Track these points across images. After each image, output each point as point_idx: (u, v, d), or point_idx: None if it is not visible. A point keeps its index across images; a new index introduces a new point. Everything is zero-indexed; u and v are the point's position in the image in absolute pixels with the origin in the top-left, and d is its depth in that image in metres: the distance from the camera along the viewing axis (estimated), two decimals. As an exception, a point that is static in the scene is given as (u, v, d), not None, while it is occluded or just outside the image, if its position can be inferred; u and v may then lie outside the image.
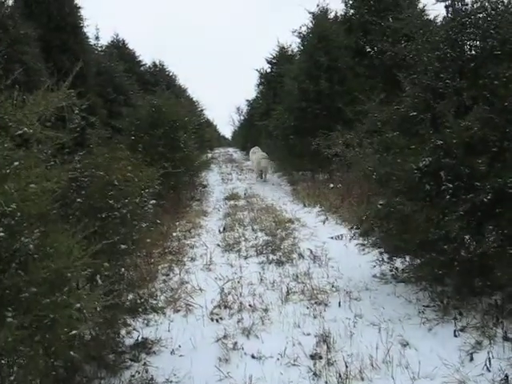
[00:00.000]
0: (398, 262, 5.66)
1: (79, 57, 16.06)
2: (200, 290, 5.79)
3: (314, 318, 4.84)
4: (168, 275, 6.40)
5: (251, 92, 50.65)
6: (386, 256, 5.65)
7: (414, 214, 4.64)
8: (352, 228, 6.01)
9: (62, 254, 2.85)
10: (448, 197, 4.51)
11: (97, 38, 24.42)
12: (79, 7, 17.27)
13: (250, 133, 32.72)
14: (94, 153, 4.66)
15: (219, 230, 8.83)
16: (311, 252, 6.99)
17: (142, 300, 4.32)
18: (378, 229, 5.12)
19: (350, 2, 17.73)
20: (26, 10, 15.09)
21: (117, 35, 29.89)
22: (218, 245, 7.62)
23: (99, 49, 24.17)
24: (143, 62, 32.44)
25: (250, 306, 5.14)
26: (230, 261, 6.86)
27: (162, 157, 10.74)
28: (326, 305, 5.11)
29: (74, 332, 2.73)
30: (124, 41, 30.35)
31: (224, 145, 49.87)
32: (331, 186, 9.43)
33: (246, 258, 7.00)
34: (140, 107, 12.32)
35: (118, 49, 28.44)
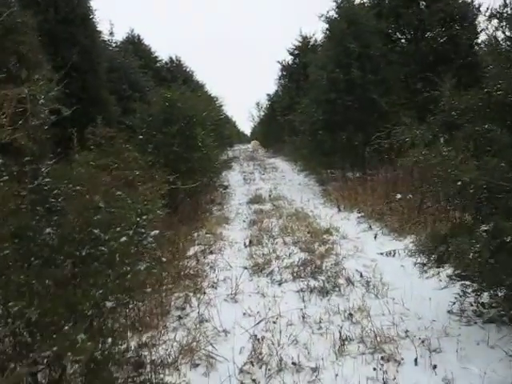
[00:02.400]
0: (485, 296, 4.32)
1: (89, 51, 15.04)
2: (225, 332, 4.46)
3: (385, 385, 3.49)
4: (184, 309, 5.08)
5: (271, 86, 49.35)
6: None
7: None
8: (426, 253, 4.57)
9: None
10: None
11: (111, 33, 23.42)
12: (88, -3, 16.06)
13: (270, 129, 31.41)
14: (74, 160, 3.33)
15: (244, 244, 7.51)
16: (361, 275, 5.62)
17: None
18: (479, 263, 3.66)
19: (379, -15, 16.33)
20: (32, 1, 13.99)
21: (132, 30, 28.97)
22: (245, 267, 6.23)
23: (113, 44, 23.21)
24: (159, 58, 31.53)
25: (293, 363, 3.78)
26: (261, 288, 5.51)
27: (177, 157, 9.49)
28: (397, 361, 3.71)
29: None
30: (139, 36, 29.42)
31: (244, 141, 48.75)
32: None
33: (280, 283, 5.64)
34: (153, 102, 11.02)
35: (134, 44, 27.50)
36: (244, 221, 9.75)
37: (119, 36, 32.17)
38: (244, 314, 4.83)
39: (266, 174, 18.41)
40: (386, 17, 14.83)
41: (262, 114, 43.95)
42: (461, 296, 4.36)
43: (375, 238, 6.98)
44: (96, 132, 7.29)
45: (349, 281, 5.45)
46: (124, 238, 2.70)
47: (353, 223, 8.51)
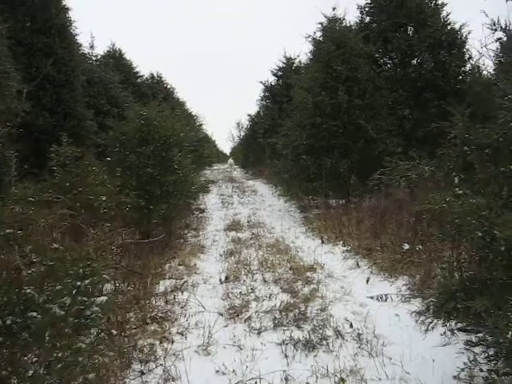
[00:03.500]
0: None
1: (66, 63, 14.34)
2: (194, 398, 3.78)
3: None
4: (147, 362, 4.35)
5: (253, 107, 49.19)
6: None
7: None
8: (432, 310, 3.93)
9: None
10: None
11: (91, 46, 22.90)
12: (67, 8, 15.42)
13: (251, 150, 30.86)
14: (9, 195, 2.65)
15: (220, 280, 6.81)
16: (351, 325, 4.97)
17: None
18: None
19: (367, 9, 16.01)
20: (8, 9, 13.30)
21: (113, 45, 28.50)
22: (220, 314, 5.50)
23: (94, 58, 22.63)
24: (140, 74, 31.03)
25: None
26: (238, 338, 4.80)
27: (151, 180, 8.81)
28: None
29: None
30: (121, 50, 28.95)
31: (224, 161, 48.52)
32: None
33: (259, 332, 4.93)
34: (129, 119, 10.30)
35: (114, 59, 26.99)
36: (220, 248, 9.09)
37: (100, 50, 31.60)
38: (217, 371, 4.14)
39: (245, 197, 17.76)
40: (373, 41, 14.48)
41: (243, 134, 43.63)
42: (471, 361, 3.74)
43: (367, 282, 6.33)
44: (60, 151, 6.61)
45: (338, 333, 4.78)
46: (64, 300, 2.02)
47: (338, 258, 7.88)
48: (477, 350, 3.71)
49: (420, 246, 6.50)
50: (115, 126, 9.98)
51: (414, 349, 4.32)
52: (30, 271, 2.11)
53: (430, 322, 3.84)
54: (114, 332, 3.56)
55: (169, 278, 6.89)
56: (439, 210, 3.21)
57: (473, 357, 3.72)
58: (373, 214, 9.43)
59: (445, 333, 4.10)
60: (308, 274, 6.86)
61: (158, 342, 4.70)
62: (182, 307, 5.73)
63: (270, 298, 5.91)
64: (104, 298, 2.42)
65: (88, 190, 6.39)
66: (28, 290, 2.17)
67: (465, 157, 3.60)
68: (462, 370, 3.73)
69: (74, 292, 2.11)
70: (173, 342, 4.74)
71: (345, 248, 8.43)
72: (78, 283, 2.19)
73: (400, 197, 9.21)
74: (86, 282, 2.26)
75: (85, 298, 2.22)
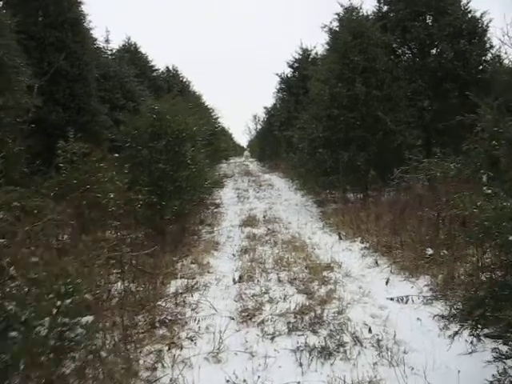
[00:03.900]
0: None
1: (79, 57, 14.17)
2: (202, 411, 3.55)
3: None
4: (155, 369, 4.13)
5: (269, 99, 48.88)
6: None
7: None
8: (459, 318, 3.63)
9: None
10: None
11: (106, 40, 22.78)
12: (80, 2, 15.25)
13: (267, 143, 30.58)
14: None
15: (233, 279, 6.57)
16: (370, 330, 4.69)
17: None
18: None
19: (385, -3, 15.59)
20: (21, 3, 13.18)
21: (129, 38, 28.35)
22: (232, 318, 5.25)
23: (109, 52, 22.51)
24: (156, 67, 30.88)
25: None
26: (250, 344, 4.54)
27: (163, 175, 8.59)
28: None
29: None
30: (136, 44, 28.78)
31: (240, 154, 48.56)
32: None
33: (272, 337, 4.67)
34: (141, 114, 10.07)
35: (130, 53, 26.85)
36: (235, 245, 8.86)
37: (116, 44, 31.51)
38: (227, 381, 3.90)
39: (261, 191, 17.50)
40: (391, 30, 14.08)
41: (259, 127, 43.36)
42: (500, 374, 3.46)
43: (387, 283, 6.02)
44: (67, 148, 6.41)
45: (356, 339, 4.50)
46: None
47: (356, 256, 7.59)
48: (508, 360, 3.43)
49: (445, 251, 6.14)
50: (127, 121, 9.79)
51: (438, 357, 4.03)
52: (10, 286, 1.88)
53: (456, 332, 3.55)
54: (117, 339, 3.30)
55: (180, 278, 6.67)
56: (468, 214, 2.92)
57: (502, 368, 3.43)
58: (392, 210, 9.11)
59: (472, 342, 3.80)
60: (325, 273, 6.59)
61: (166, 348, 4.48)
62: (192, 309, 5.51)
63: (284, 299, 5.65)
64: (90, 318, 2.18)
65: (96, 187, 6.17)
66: (10, 307, 1.94)
67: (492, 152, 3.30)
68: (491, 382, 3.45)
69: (54, 312, 1.89)
70: (182, 348, 4.51)
71: (363, 245, 8.14)
72: (59, 302, 1.95)
73: (420, 191, 8.89)
74: (68, 301, 2.02)
75: (66, 320, 1.99)
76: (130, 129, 9.12)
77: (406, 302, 5.43)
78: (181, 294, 5.89)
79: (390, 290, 5.88)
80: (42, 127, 11.36)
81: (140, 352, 4.34)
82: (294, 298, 5.67)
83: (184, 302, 5.67)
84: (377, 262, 7.00)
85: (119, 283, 5.94)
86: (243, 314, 5.29)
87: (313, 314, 5.14)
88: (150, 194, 8.27)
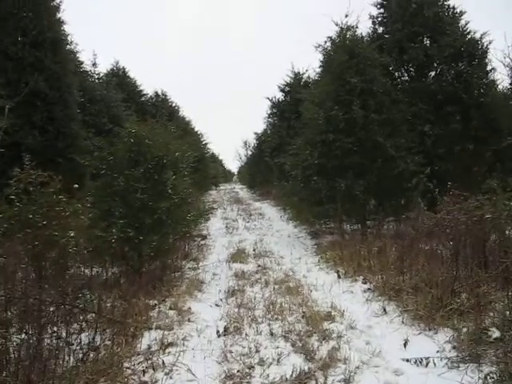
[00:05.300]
0: None
1: (59, 78, 13.36)
2: None
3: None
4: None
5: (260, 125, 48.25)
6: None
7: None
8: None
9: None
10: None
11: (94, 64, 22.17)
12: (62, 21, 14.49)
13: (258, 169, 29.71)
14: None
15: (217, 332, 5.55)
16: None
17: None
18: None
19: (379, 19, 14.96)
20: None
21: (117, 62, 27.85)
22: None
23: (96, 75, 21.83)
24: (144, 92, 30.35)
25: None
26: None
27: (141, 206, 7.64)
28: None
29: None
30: (124, 69, 28.32)
31: (230, 181, 47.67)
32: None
33: (263, 421, 3.69)
34: (119, 138, 9.10)
35: (118, 77, 26.28)
36: (221, 284, 7.87)
37: (104, 68, 30.94)
38: None
39: (251, 221, 16.52)
40: (387, 51, 13.39)
41: (250, 153, 42.66)
42: None
43: (405, 345, 4.99)
44: (21, 177, 5.44)
45: (371, 424, 3.53)
46: None
47: (359, 300, 6.61)
48: None
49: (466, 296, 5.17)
50: (103, 145, 8.84)
51: None
52: None
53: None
54: None
55: (156, 329, 5.65)
56: None
57: None
58: (396, 243, 8.19)
59: None
60: (325, 323, 5.58)
61: None
62: (166, 374, 4.49)
63: (278, 361, 4.63)
64: None
65: (55, 223, 5.20)
66: None
67: None
68: None
69: None
70: None
71: (366, 286, 7.17)
72: None
73: (426, 222, 7.95)
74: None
75: None
76: (105, 154, 8.18)
77: (427, 365, 4.44)
78: (158, 343, 4.88)
79: (405, 348, 4.89)
80: (15, 151, 10.47)
81: None
82: (290, 359, 4.66)
83: (158, 360, 4.65)
84: (385, 310, 6.00)
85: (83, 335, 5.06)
86: (228, 382, 4.27)
87: (314, 382, 4.14)
88: (126, 227, 7.36)
